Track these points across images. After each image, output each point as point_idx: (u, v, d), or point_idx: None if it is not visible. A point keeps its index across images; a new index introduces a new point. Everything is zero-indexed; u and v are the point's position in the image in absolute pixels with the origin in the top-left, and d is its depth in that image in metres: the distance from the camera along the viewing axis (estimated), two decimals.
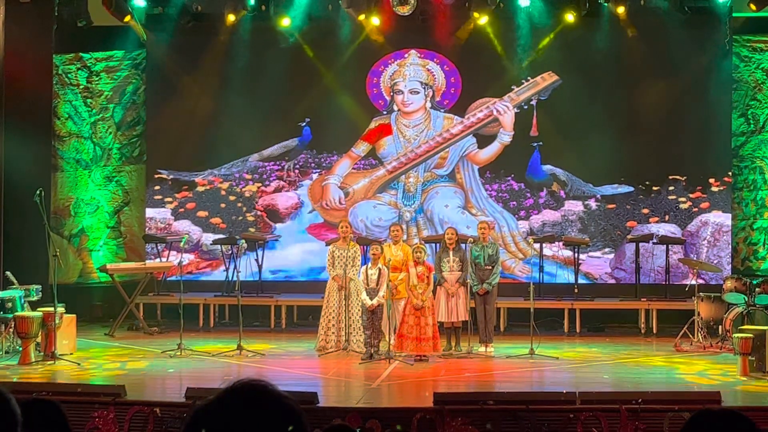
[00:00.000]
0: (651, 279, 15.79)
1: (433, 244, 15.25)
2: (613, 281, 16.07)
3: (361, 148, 16.61)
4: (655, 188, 16.05)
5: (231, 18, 16.13)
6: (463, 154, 16.44)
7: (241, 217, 16.73)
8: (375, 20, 16.10)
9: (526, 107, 16.30)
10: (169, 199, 16.81)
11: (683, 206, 16.00)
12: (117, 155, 17.04)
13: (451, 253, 12.95)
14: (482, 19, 16.05)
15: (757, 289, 13.13)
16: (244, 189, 16.75)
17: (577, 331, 15.00)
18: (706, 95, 15.90)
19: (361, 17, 15.99)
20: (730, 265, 15.73)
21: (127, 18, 16.13)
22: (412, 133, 16.54)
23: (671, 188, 16.02)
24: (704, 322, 13.48)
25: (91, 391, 9.48)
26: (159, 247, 16.37)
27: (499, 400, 9.05)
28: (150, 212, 16.80)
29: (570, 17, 15.90)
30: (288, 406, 2.12)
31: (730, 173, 15.94)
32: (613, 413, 8.75)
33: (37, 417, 3.18)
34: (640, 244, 15.67)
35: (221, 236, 16.35)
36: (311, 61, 16.55)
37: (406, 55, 16.57)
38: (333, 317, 12.98)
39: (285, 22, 16.20)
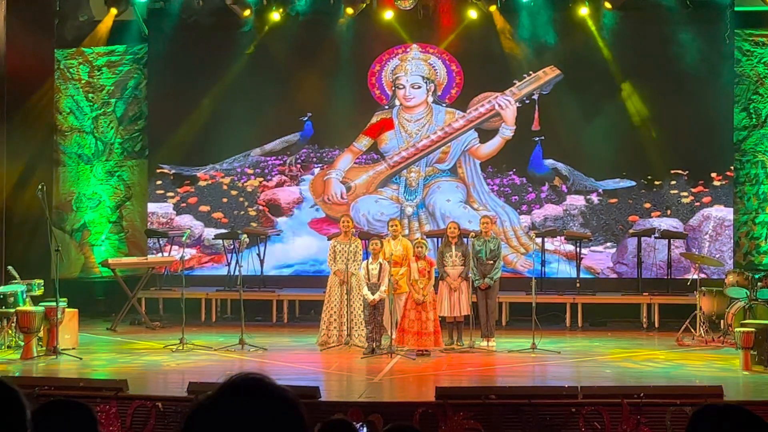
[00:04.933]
0: (653, 273, 15.78)
1: (435, 239, 15.25)
2: (614, 276, 16.07)
3: (363, 142, 16.60)
4: (656, 183, 16.03)
5: (247, 13, 16.10)
6: (465, 149, 16.44)
7: (242, 212, 16.74)
8: (378, 14, 16.10)
9: (527, 102, 16.28)
10: (171, 194, 16.81)
11: (685, 200, 15.99)
12: (119, 150, 17.03)
13: (453, 247, 12.95)
14: (484, 13, 16.03)
15: (759, 284, 13.11)
16: (245, 184, 16.76)
17: (579, 325, 15.00)
18: (707, 89, 15.88)
19: (350, 11, 15.96)
20: (732, 260, 15.71)
21: (113, 11, 16.14)
22: (414, 127, 16.53)
23: (673, 182, 16.00)
24: (706, 317, 13.48)
25: (93, 385, 9.50)
26: (161, 242, 16.38)
27: (501, 395, 9.05)
28: (152, 207, 16.81)
29: (572, 11, 15.89)
30: (287, 399, 2.12)
31: (732, 167, 15.92)
32: (615, 407, 8.76)
33: (68, 419, 3.19)
34: (642, 239, 15.67)
35: (223, 231, 16.36)
36: (313, 55, 16.53)
37: (407, 50, 16.56)
38: (335, 312, 12.98)
39: (286, 16, 16.21)
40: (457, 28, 16.39)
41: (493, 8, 15.96)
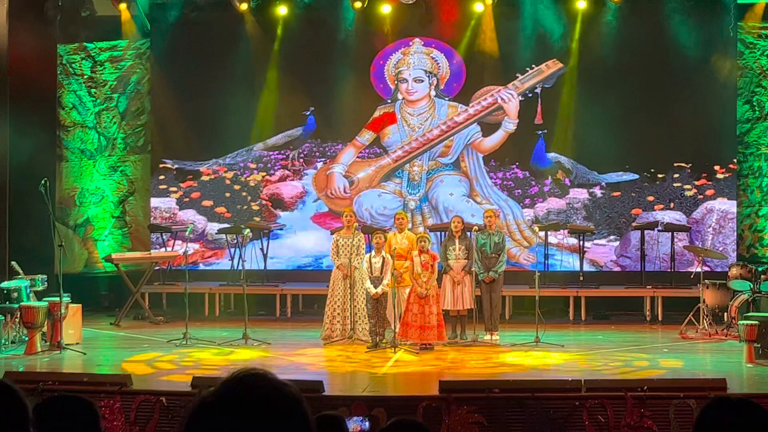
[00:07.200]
0: (656, 266, 15.77)
1: (438, 233, 15.24)
2: (618, 269, 16.06)
3: (366, 136, 16.59)
4: (660, 175, 16.02)
5: (243, 7, 16.11)
6: (468, 143, 16.43)
7: (245, 207, 16.74)
8: (381, 8, 16.09)
9: (530, 95, 16.27)
10: (174, 189, 16.82)
11: (688, 193, 15.98)
12: (122, 145, 17.04)
13: (457, 241, 12.95)
14: (486, 6, 16.01)
15: (762, 276, 13.12)
16: (248, 178, 16.76)
17: (583, 319, 15.01)
18: (710, 82, 15.86)
19: (357, 5, 15.94)
20: (735, 252, 15.70)
21: (123, 6, 16.15)
22: (417, 121, 16.52)
23: (676, 175, 15.99)
24: (709, 310, 13.47)
25: (97, 380, 9.50)
26: (164, 237, 16.39)
27: (505, 388, 9.05)
28: (155, 202, 16.82)
29: (574, 3, 15.87)
30: (289, 394, 2.12)
31: (735, 160, 15.90)
32: (618, 400, 8.76)
33: (70, 415, 3.19)
34: (646, 232, 15.65)
35: (226, 225, 16.36)
36: (316, 49, 16.52)
37: (410, 44, 16.55)
38: (338, 306, 12.99)
39: (290, 10, 16.20)
40: (460, 21, 16.37)
41: (495, 1, 15.94)
